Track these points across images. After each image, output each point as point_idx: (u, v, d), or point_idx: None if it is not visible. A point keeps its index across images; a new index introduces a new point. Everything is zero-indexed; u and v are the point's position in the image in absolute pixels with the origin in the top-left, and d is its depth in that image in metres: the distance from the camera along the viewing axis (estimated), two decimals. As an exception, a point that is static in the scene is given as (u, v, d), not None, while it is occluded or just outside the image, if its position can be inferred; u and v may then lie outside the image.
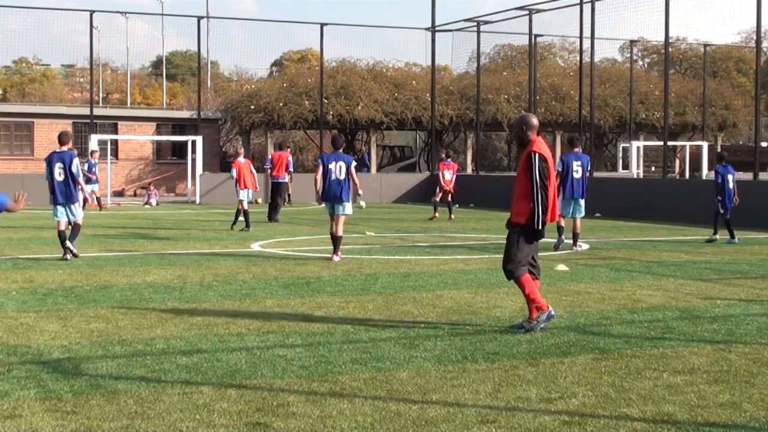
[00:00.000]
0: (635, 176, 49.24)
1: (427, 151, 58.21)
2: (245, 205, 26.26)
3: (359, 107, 52.24)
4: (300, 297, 13.52)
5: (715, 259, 19.45)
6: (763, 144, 56.04)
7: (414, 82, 55.67)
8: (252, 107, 51.44)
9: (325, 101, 50.02)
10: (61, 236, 18.48)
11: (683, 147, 59.17)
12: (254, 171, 27.00)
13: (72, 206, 18.63)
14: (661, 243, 23.32)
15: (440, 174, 31.36)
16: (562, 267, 17.21)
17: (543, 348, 9.96)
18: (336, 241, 18.52)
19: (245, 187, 26.44)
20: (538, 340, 10.39)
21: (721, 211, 23.27)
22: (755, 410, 7.62)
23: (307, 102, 51.42)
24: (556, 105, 57.16)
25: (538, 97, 49.68)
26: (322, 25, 46.65)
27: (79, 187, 18.71)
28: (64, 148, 18.61)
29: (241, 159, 27.13)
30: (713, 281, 15.89)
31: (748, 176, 37.47)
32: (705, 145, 54.09)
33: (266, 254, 19.70)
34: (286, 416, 7.31)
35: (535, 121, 11.07)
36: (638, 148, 53.24)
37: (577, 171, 20.58)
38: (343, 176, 18.40)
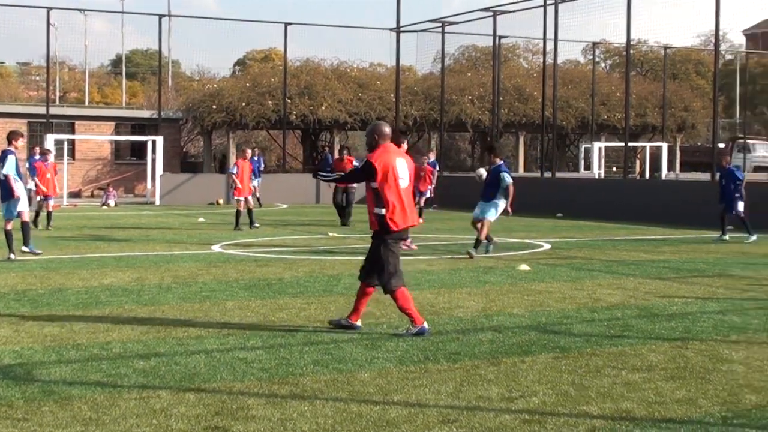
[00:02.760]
0: (596, 177, 49.53)
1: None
2: (248, 204, 26.68)
3: (323, 107, 52.17)
4: (261, 299, 13.51)
5: (674, 258, 19.62)
6: (721, 145, 56.48)
7: (378, 82, 55.68)
8: (214, 107, 51.26)
9: (289, 101, 49.93)
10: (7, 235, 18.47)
11: (644, 148, 59.54)
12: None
13: (10, 203, 18.55)
14: (621, 242, 23.49)
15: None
16: (524, 267, 17.31)
17: (504, 347, 10.02)
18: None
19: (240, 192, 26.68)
20: (499, 339, 10.45)
21: (740, 209, 23.66)
22: (710, 406, 7.72)
23: (270, 102, 51.30)
24: (519, 106, 57.38)
25: (501, 98, 49.84)
26: (286, 24, 46.60)
27: (19, 184, 18.55)
28: (11, 147, 18.61)
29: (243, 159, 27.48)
30: (671, 280, 16.04)
31: (706, 177, 37.76)
32: (665, 146, 54.49)
33: (227, 256, 19.67)
34: (246, 419, 7.30)
35: (386, 129, 11.00)
36: (600, 148, 53.57)
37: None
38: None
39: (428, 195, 30.45)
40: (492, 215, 19.50)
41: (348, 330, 10.90)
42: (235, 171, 27.02)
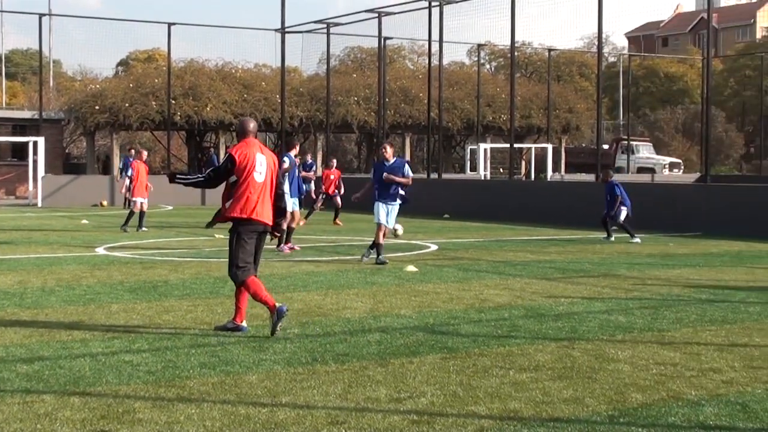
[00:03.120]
0: (483, 178, 49.97)
1: (277, 153, 57.97)
2: (142, 207, 26.72)
3: (208, 108, 51.74)
4: (147, 301, 13.32)
5: (560, 259, 19.85)
6: (605, 146, 57.49)
7: (263, 83, 55.40)
8: (97, 107, 50.45)
9: (173, 102, 49.38)
10: None
11: (529, 149, 60.28)
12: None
13: None
14: (508, 243, 23.70)
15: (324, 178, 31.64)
16: (411, 268, 17.34)
17: (392, 348, 10.01)
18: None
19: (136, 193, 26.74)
20: (387, 340, 10.44)
21: (621, 220, 24.09)
22: (597, 404, 7.79)
23: (153, 102, 50.69)
24: (405, 107, 57.60)
25: (387, 99, 49.95)
26: (170, 24, 46.08)
27: None
28: None
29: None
30: (557, 280, 16.22)
31: (590, 177, 38.31)
32: (550, 147, 55.22)
33: (112, 258, 19.36)
34: (132, 423, 7.17)
35: (250, 125, 11.20)
36: (485, 150, 54.10)
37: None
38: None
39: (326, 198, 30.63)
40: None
41: (234, 332, 10.77)
42: (130, 173, 26.92)
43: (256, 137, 11.20)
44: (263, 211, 10.94)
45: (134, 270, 17.11)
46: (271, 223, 11.17)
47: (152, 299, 13.50)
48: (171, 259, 18.86)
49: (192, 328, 11.20)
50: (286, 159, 20.50)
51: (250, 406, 7.70)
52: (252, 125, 11.23)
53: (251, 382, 8.50)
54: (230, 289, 14.39)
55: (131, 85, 52.69)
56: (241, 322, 10.95)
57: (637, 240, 23.77)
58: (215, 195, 36.60)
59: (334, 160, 33.57)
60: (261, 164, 10.89)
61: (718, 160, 71.70)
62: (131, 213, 26.57)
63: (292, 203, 20.73)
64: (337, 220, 30.61)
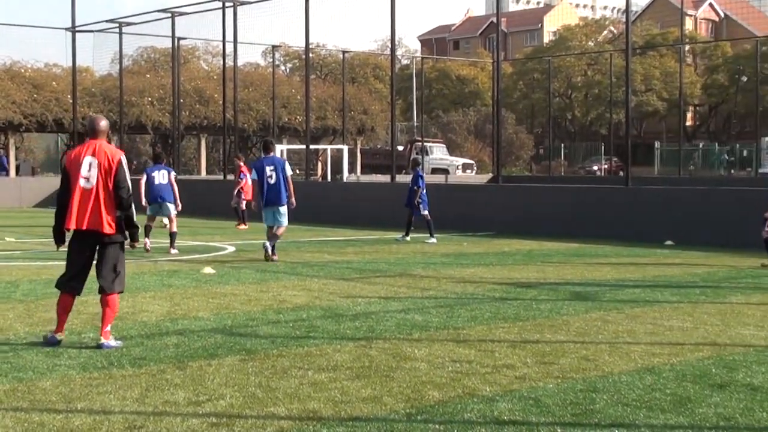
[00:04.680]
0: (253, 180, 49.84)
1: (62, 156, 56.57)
2: None
3: (-5, 108, 50.14)
4: (-67, 307, 12.81)
5: (357, 259, 20.03)
6: (399, 147, 58.26)
7: (54, 83, 54.04)
8: None
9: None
10: None
11: (325, 150, 60.54)
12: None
13: None
14: (306, 244, 23.75)
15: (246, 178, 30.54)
16: (208, 270, 17.21)
17: (190, 351, 9.91)
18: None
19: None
20: (185, 343, 10.33)
21: (425, 212, 24.28)
22: (395, 403, 7.89)
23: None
24: (200, 108, 57.14)
25: (182, 100, 49.41)
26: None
27: None
28: None
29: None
30: (355, 280, 16.35)
31: (386, 178, 38.74)
32: (345, 148, 55.60)
33: None
34: None
35: (101, 124, 10.53)
36: (282, 151, 54.05)
37: (271, 176, 19.09)
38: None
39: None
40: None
41: (50, 342, 10.28)
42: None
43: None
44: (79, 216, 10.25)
45: None
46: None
47: (-62, 306, 13.00)
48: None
49: (-19, 334, 10.83)
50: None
51: (44, 412, 7.50)
52: (92, 124, 10.49)
53: (45, 388, 8.29)
54: (22, 293, 14.04)
55: None
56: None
57: (434, 240, 24.16)
58: (5, 198, 35.48)
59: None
60: (85, 168, 10.21)
61: (509, 161, 73.58)
62: None
63: None
64: None
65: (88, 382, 8.53)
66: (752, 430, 7.31)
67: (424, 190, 24.68)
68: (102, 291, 10.29)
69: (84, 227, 10.15)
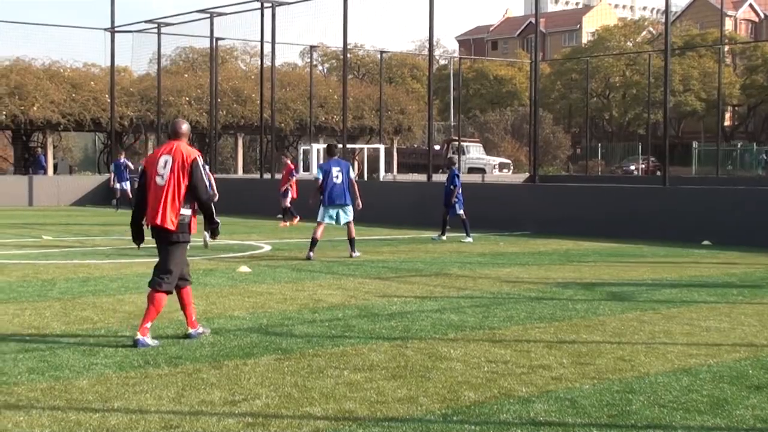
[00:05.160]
0: (315, 178, 49.89)
1: (107, 153, 56.81)
2: None
3: (35, 108, 50.43)
4: (-28, 305, 12.91)
5: (393, 258, 20.00)
6: (436, 147, 58.22)
7: (93, 83, 54.34)
8: None
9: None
10: None
11: (362, 149, 60.56)
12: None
13: None
14: (341, 243, 23.72)
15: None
16: (244, 268, 17.24)
17: (226, 350, 9.92)
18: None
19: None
20: (221, 342, 10.34)
21: (460, 212, 24.34)
22: (431, 403, 7.86)
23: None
24: (237, 108, 57.29)
25: (219, 100, 49.55)
26: (-8, 22, 44.89)
27: None
28: None
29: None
30: (390, 279, 16.33)
31: (422, 178, 38.69)
32: (382, 147, 55.58)
33: (-66, 261, 18.71)
34: (-43, 431, 6.95)
35: (183, 127, 10.76)
36: (318, 150, 54.07)
37: (337, 177, 20.05)
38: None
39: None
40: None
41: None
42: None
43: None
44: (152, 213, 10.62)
45: (-43, 274, 16.57)
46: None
47: (-23, 304, 13.09)
48: (-4, 262, 18.34)
49: (19, 332, 10.88)
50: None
51: (80, 411, 7.53)
52: (173, 127, 10.78)
53: (82, 387, 8.32)
54: (59, 291, 14.13)
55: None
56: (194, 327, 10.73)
57: (470, 240, 24.13)
58: (40, 197, 35.77)
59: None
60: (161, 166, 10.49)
61: (546, 161, 73.39)
62: None
63: None
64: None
65: (125, 381, 8.56)
66: (791, 433, 7.23)
67: (460, 190, 24.68)
68: (149, 285, 10.49)
69: (153, 223, 10.46)
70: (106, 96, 50.26)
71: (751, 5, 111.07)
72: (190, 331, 10.63)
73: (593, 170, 67.00)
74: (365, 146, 60.08)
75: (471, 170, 62.18)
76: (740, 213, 24.08)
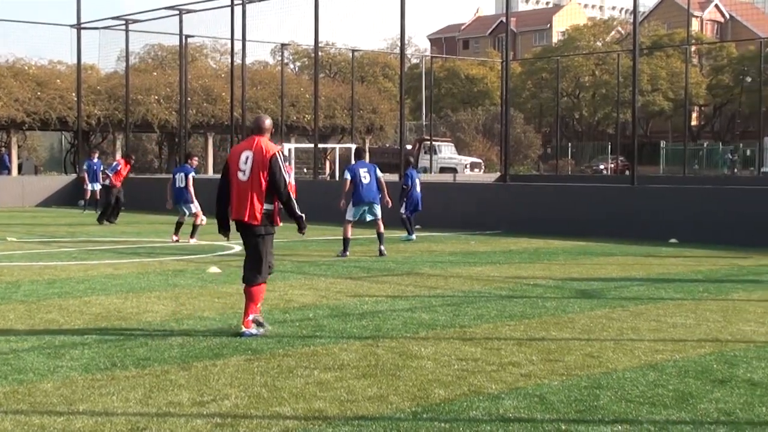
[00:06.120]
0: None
1: (73, 152, 56.43)
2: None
3: (-2, 106, 50.08)
4: (-64, 307, 12.76)
5: (364, 258, 19.96)
6: (408, 146, 58.19)
7: (59, 80, 53.98)
8: None
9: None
10: None
11: (333, 149, 60.53)
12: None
13: None
14: (313, 243, 23.70)
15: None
16: (214, 269, 17.14)
17: (195, 351, 9.84)
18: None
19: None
20: (190, 343, 10.26)
21: (406, 212, 24.41)
22: (401, 402, 7.83)
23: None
24: (207, 106, 57.12)
25: (189, 99, 49.33)
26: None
27: None
28: None
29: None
30: (362, 279, 16.28)
31: (394, 177, 38.66)
32: (354, 147, 55.54)
33: None
34: None
35: (266, 123, 11.03)
36: (290, 149, 54.03)
37: (365, 177, 20.78)
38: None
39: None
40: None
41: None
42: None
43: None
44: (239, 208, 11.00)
45: (-77, 275, 16.39)
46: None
47: (-58, 305, 12.94)
48: (-37, 263, 18.17)
49: (-16, 334, 10.76)
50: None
51: (44, 415, 7.43)
52: (254, 123, 11.07)
53: (46, 390, 8.21)
54: (23, 294, 13.99)
55: None
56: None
57: (413, 237, 24.26)
58: (7, 197, 35.45)
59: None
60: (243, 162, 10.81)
61: (516, 160, 73.55)
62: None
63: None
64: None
65: (91, 383, 8.46)
66: (752, 425, 7.31)
67: (418, 190, 24.82)
68: (243, 281, 10.90)
69: (237, 218, 10.81)
70: (73, 94, 49.88)
71: (717, 6, 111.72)
72: (243, 330, 10.75)
73: (563, 169, 67.22)
74: (337, 146, 60.03)
75: (443, 170, 62.25)
76: (706, 212, 24.18)
